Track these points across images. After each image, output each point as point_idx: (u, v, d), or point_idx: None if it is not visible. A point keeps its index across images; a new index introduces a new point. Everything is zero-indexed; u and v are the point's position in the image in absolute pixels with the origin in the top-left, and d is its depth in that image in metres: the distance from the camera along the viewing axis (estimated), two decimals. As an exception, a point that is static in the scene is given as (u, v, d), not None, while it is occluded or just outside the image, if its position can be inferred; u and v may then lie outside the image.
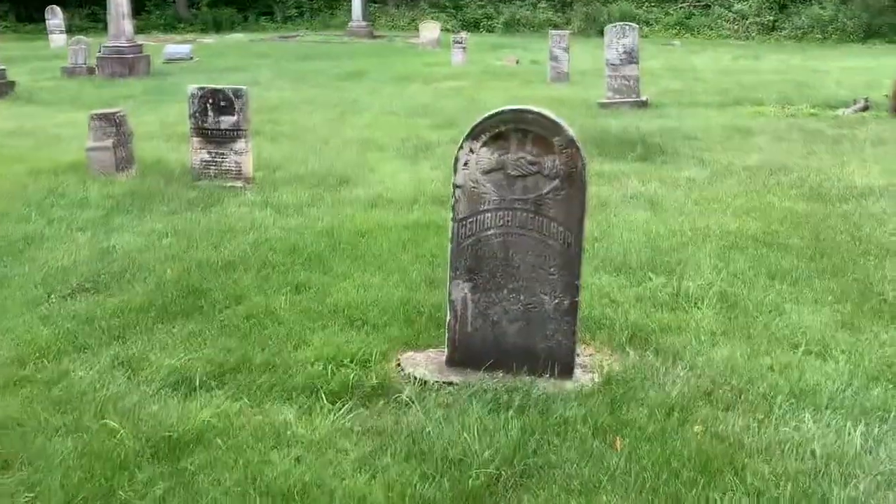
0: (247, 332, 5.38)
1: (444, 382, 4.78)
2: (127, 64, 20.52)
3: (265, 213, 8.21)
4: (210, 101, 9.79)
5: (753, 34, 34.29)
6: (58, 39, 30.56)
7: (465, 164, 4.71)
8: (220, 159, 9.89)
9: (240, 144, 9.78)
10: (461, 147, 4.71)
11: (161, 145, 11.66)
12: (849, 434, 4.11)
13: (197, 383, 4.65)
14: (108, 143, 10.03)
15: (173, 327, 5.48)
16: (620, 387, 4.65)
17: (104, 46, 21.12)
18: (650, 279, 6.18)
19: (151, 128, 13.03)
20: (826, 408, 4.38)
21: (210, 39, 34.60)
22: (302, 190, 9.17)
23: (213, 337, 5.32)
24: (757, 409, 4.39)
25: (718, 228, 7.48)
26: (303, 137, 12.30)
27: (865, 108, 14.44)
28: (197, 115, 9.87)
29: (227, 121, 9.74)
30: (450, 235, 4.84)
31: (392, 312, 5.63)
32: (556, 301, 4.78)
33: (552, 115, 4.57)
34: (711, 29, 35.47)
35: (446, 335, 4.97)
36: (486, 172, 4.70)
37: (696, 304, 5.73)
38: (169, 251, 7.02)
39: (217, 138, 9.84)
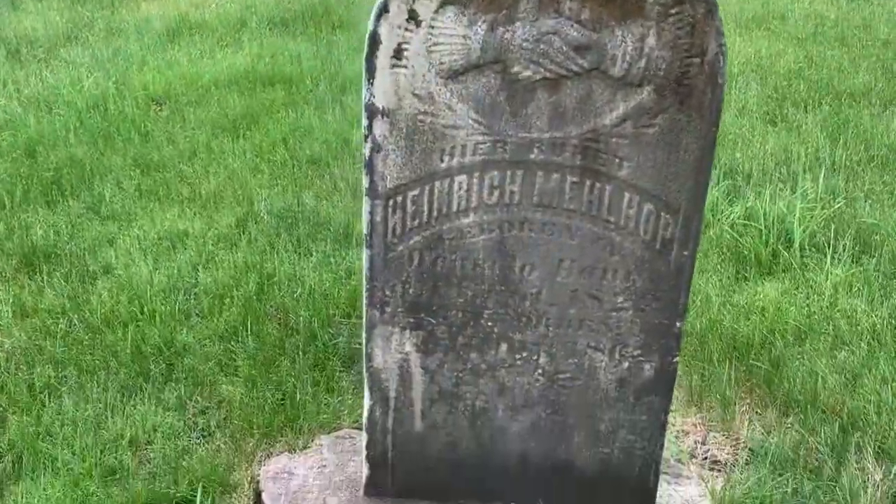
0: None
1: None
2: None
3: (-9, 63, 4.89)
4: None
5: None
6: None
7: (399, 52, 1.74)
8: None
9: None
10: (384, 8, 1.71)
11: None
12: None
13: None
14: None
15: None
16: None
17: None
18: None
19: None
20: None
21: None
22: (58, 8, 5.78)
23: None
24: None
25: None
26: None
27: None
28: None
29: None
30: (364, 228, 1.92)
31: (233, 320, 2.74)
32: (628, 364, 2.00)
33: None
34: None
35: (364, 438, 2.15)
36: (456, 75, 1.74)
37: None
38: None
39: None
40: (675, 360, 2.02)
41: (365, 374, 2.09)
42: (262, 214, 3.35)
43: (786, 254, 3.03)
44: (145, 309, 2.81)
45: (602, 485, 2.16)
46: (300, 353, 2.63)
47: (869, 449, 2.29)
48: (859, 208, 3.27)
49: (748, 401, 2.51)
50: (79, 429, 2.37)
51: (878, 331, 2.67)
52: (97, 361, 2.62)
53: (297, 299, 2.86)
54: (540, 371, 2.05)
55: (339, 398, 2.49)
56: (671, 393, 2.07)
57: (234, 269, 3.02)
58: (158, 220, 3.35)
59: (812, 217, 3.15)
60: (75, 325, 2.78)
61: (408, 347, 2.04)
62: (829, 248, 3.03)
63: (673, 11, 1.68)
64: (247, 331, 2.72)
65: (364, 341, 2.05)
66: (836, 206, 3.22)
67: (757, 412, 2.46)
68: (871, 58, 4.70)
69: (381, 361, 2.06)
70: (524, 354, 2.04)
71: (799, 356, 2.60)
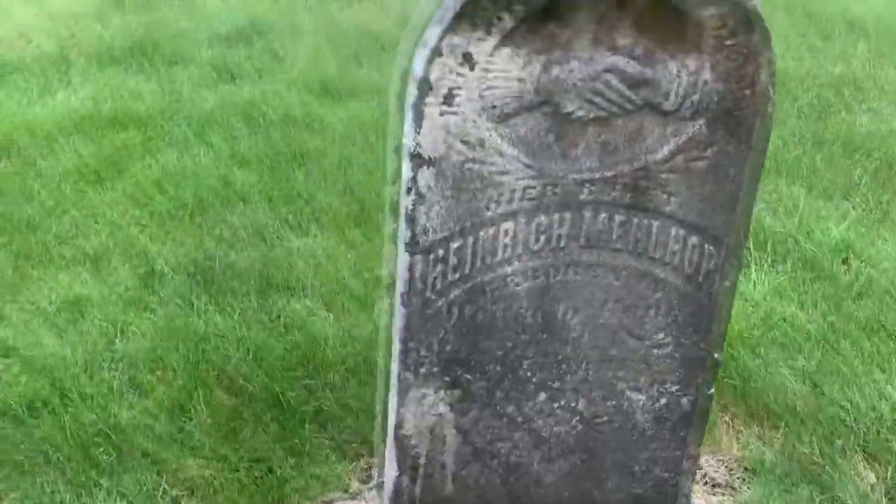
0: None
1: None
2: None
3: None
4: None
5: None
6: None
7: (450, 97, 1.61)
8: None
9: None
10: (436, 51, 1.58)
11: None
12: None
13: None
14: None
15: None
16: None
17: None
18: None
19: None
20: None
21: None
22: None
23: None
24: None
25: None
26: None
27: None
28: None
29: None
30: (401, 286, 1.77)
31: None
32: (665, 400, 1.97)
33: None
34: None
35: (386, 509, 2.01)
36: (508, 118, 1.64)
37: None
38: None
39: None
40: (711, 391, 2.00)
41: (391, 443, 1.93)
42: (166, 272, 3.07)
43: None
44: (73, 392, 2.50)
45: (637, 525, 2.11)
46: (266, 420, 2.42)
47: (857, 453, 2.36)
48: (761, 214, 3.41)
49: (726, 418, 2.53)
50: (38, 541, 2.07)
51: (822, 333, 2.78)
52: (33, 456, 2.30)
53: (241, 362, 2.64)
54: (578, 417, 1.97)
55: (327, 467, 2.30)
56: (705, 425, 2.05)
57: (158, 336, 2.75)
58: (47, 288, 3.00)
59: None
60: (-9, 419, 2.43)
61: (441, 408, 1.91)
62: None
63: (728, 43, 1.65)
64: (198, 401, 2.47)
65: (394, 407, 1.89)
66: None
67: (739, 429, 2.49)
68: None
69: (410, 426, 1.91)
70: (562, 402, 1.95)
71: (759, 367, 2.66)
